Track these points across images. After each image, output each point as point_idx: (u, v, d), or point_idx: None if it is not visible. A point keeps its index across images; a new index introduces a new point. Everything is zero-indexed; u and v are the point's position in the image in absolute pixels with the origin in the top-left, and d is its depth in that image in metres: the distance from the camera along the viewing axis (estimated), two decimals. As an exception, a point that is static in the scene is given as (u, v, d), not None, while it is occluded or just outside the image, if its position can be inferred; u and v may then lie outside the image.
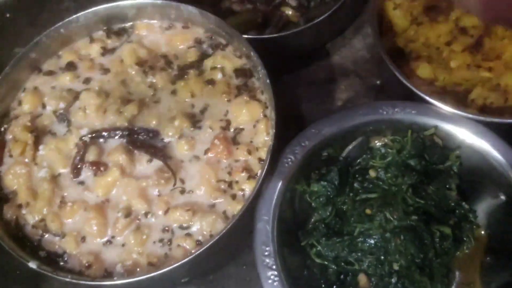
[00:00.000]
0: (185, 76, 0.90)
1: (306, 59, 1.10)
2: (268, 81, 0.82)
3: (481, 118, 0.79)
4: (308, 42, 1.04)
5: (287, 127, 0.93)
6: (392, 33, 0.99)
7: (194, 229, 0.77)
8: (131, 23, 0.97)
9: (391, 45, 0.98)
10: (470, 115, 0.80)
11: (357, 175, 0.84)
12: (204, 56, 0.92)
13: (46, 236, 0.79)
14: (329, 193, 0.81)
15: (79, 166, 0.83)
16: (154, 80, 0.90)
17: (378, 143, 0.85)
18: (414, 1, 0.98)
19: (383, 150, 0.84)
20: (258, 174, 0.78)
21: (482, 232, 0.82)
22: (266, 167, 0.76)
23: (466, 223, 0.80)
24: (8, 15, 1.27)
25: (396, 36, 0.98)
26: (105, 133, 0.85)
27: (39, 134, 0.87)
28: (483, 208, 0.82)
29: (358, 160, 0.86)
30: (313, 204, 0.83)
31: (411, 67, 0.93)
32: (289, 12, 1.05)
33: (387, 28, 1.00)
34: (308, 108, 1.06)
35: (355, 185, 0.83)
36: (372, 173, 0.83)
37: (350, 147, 0.86)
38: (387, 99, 1.03)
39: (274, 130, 0.78)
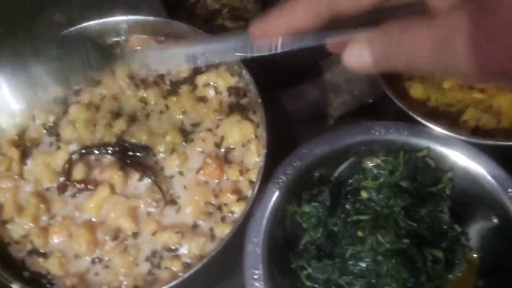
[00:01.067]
0: (178, 92, 0.89)
1: (298, 75, 1.10)
2: (259, 100, 0.81)
3: (474, 140, 0.79)
4: (301, 59, 1.03)
5: (278, 144, 0.92)
6: (385, 52, 0.99)
7: (182, 251, 0.75)
8: (123, 37, 0.96)
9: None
10: (463, 137, 0.79)
11: (349, 196, 0.83)
12: (197, 72, 0.91)
13: (30, 255, 0.77)
14: (320, 214, 0.80)
15: (66, 182, 0.82)
16: (145, 95, 0.89)
17: (370, 164, 0.84)
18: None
19: (375, 171, 0.83)
20: (249, 196, 0.77)
21: (474, 255, 0.81)
22: (256, 189, 0.75)
23: (458, 246, 0.80)
24: (-1, 29, 1.26)
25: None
26: (95, 150, 0.84)
27: (26, 148, 0.86)
28: (475, 231, 0.81)
29: (350, 181, 0.85)
30: (304, 225, 0.82)
31: (404, 86, 0.92)
32: (283, 28, 1.05)
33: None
34: (299, 125, 1.06)
35: (347, 206, 0.82)
36: (364, 194, 0.83)
37: (342, 167, 0.85)
38: (379, 118, 1.03)
39: (265, 151, 0.77)
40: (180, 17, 1.05)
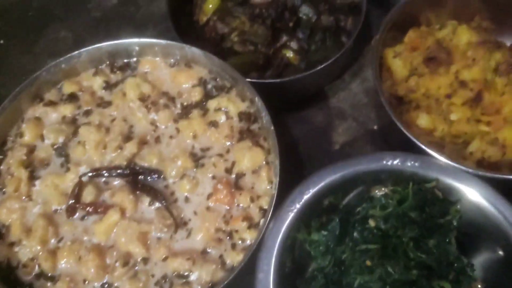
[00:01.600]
0: (189, 116, 0.90)
1: (305, 101, 1.11)
2: (272, 128, 0.82)
3: (481, 173, 0.81)
4: (308, 86, 1.05)
5: (284, 169, 0.93)
6: (391, 80, 1.01)
7: (193, 277, 0.75)
8: (135, 59, 0.96)
9: (390, 92, 0.99)
10: (471, 170, 0.81)
11: (356, 224, 0.84)
12: (208, 96, 0.92)
13: (38, 279, 0.76)
14: (329, 243, 0.81)
15: (76, 205, 0.81)
16: (156, 117, 0.89)
17: (378, 193, 0.85)
18: (414, 51, 1.00)
19: (383, 201, 0.84)
20: (261, 224, 0.77)
21: (479, 286, 0.82)
22: (269, 217, 0.75)
23: (464, 277, 0.80)
24: (1, 42, 1.25)
25: (395, 84, 0.99)
26: (105, 172, 0.83)
27: (35, 168, 0.85)
28: (480, 262, 0.83)
29: (358, 209, 0.86)
30: (312, 252, 0.82)
31: (411, 115, 0.94)
32: (290, 55, 1.06)
33: (386, 75, 1.02)
34: (305, 149, 1.07)
35: (355, 234, 0.83)
36: (371, 223, 0.83)
37: (350, 195, 0.86)
38: (384, 145, 1.05)
39: (277, 179, 0.78)
40: (189, 40, 1.07)
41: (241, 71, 1.02)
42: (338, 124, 1.10)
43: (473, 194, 0.80)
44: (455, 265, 0.81)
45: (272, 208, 0.76)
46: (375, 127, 1.08)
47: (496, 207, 0.79)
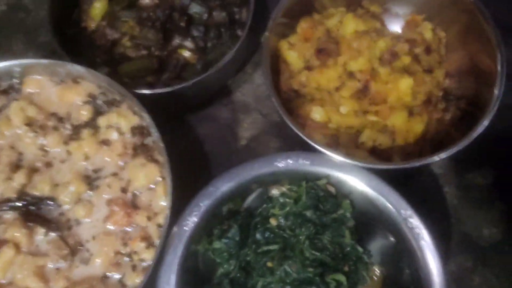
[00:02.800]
0: (79, 136, 0.87)
1: (208, 99, 1.10)
2: (162, 145, 0.81)
3: (370, 165, 0.83)
4: (207, 87, 1.03)
5: (191, 170, 0.93)
6: (288, 72, 1.01)
7: (94, 305, 0.76)
8: (18, 80, 0.92)
9: (287, 85, 1.00)
10: (359, 163, 0.83)
11: (258, 226, 0.86)
12: (98, 113, 0.89)
13: None
14: (231, 249, 0.83)
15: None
16: (45, 142, 0.86)
17: (277, 192, 0.87)
18: (307, 42, 1.00)
19: (281, 200, 0.86)
20: (157, 243, 0.78)
21: (377, 271, 0.87)
22: (164, 235, 0.76)
23: (361, 264, 0.85)
24: None
25: (291, 77, 1.00)
26: (-6, 208, 0.81)
27: None
28: (376, 247, 0.87)
29: (259, 210, 0.88)
30: (217, 259, 0.84)
31: (306, 109, 0.95)
32: (187, 54, 1.04)
33: (284, 67, 1.02)
34: (211, 148, 1.07)
35: (257, 236, 0.85)
36: (273, 222, 0.86)
37: (250, 198, 0.88)
38: (287, 137, 1.06)
39: (170, 196, 0.78)
40: (80, 49, 1.03)
41: (136, 76, 1.01)
42: (243, 119, 1.10)
43: (363, 186, 0.83)
44: (352, 255, 0.85)
45: (167, 225, 0.77)
46: (279, 119, 1.08)
47: (385, 197, 0.82)
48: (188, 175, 0.85)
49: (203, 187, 0.83)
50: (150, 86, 1.00)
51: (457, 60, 1.01)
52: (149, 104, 0.86)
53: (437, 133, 0.96)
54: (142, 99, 0.87)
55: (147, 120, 0.84)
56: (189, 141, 1.07)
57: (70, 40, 1.01)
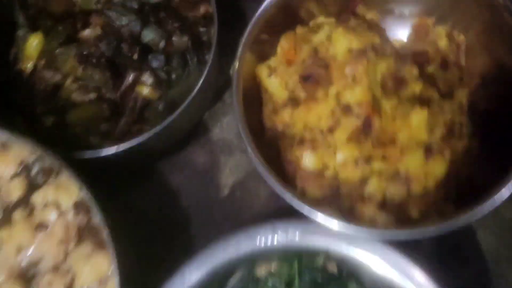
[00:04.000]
0: (10, 220, 0.69)
1: (181, 141, 0.91)
2: (106, 232, 0.63)
3: (377, 235, 0.64)
4: (177, 129, 0.84)
5: (164, 238, 0.79)
6: (272, 103, 0.81)
7: None
8: None
9: (272, 121, 0.80)
10: (364, 232, 0.64)
11: (243, 316, 0.68)
12: (33, 187, 0.71)
13: None
14: None
15: None
16: (-31, 232, 0.69)
17: (264, 272, 0.69)
18: (290, 66, 0.80)
19: (270, 283, 0.67)
20: None
21: None
22: None
23: None
24: None
25: (275, 111, 0.80)
26: None
27: None
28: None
29: (242, 296, 0.69)
30: None
31: (295, 153, 0.75)
32: (146, 91, 0.85)
33: (266, 97, 0.82)
34: (189, 202, 0.88)
35: (242, 330, 0.67)
36: (261, 312, 0.67)
37: (232, 281, 0.69)
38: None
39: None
40: (16, 98, 0.85)
41: (86, 126, 0.83)
42: (224, 162, 0.91)
43: (374, 261, 0.64)
44: None
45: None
46: (267, 159, 0.89)
47: (407, 276, 0.63)
48: (156, 251, 0.74)
49: (168, 277, 0.65)
50: (104, 136, 0.82)
51: (479, 67, 0.80)
52: (102, 163, 0.69)
53: (465, 166, 0.75)
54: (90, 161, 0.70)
55: (85, 198, 0.66)
56: (160, 196, 0.89)
57: (1, 89, 0.83)
